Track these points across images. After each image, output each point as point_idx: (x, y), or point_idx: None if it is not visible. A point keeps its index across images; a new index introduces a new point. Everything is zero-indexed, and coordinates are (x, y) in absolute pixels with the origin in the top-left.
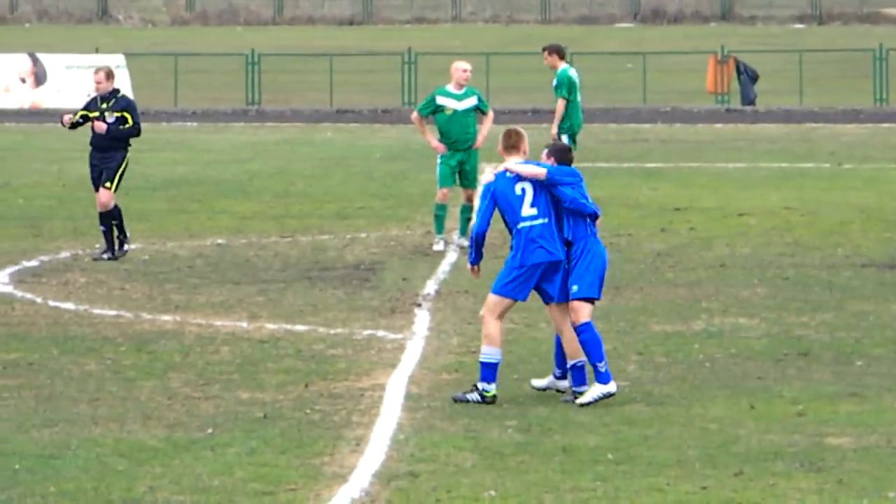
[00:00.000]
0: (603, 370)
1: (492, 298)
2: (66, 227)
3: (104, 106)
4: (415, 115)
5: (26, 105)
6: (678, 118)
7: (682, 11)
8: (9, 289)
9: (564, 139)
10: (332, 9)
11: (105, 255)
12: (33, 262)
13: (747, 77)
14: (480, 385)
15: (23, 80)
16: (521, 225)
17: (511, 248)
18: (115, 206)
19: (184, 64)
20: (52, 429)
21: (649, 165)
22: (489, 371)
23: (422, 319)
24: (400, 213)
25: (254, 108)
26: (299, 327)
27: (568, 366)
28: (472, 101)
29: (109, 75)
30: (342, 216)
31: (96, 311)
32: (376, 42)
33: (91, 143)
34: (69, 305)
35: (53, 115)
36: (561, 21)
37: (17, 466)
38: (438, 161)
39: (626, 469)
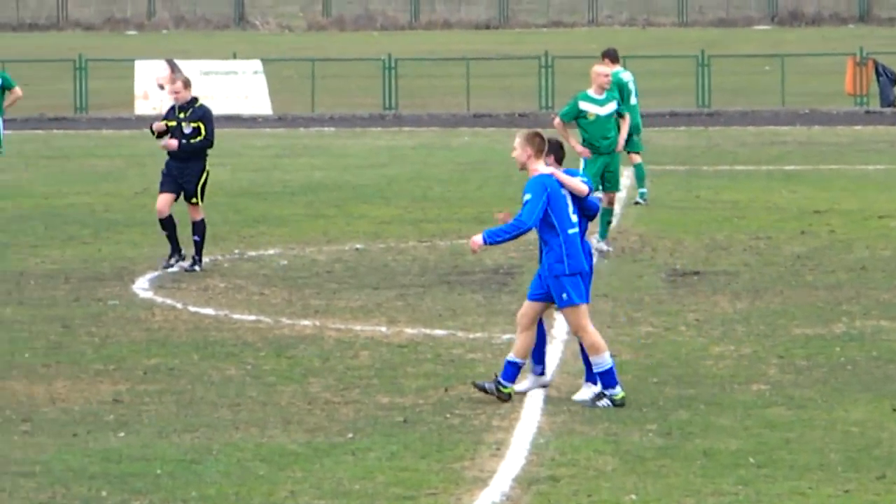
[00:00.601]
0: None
1: (576, 312)
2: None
3: (182, 115)
4: (557, 121)
5: (164, 111)
6: (817, 120)
7: (820, 13)
8: (149, 294)
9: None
10: (468, 13)
11: (196, 267)
12: (173, 269)
13: (886, 79)
14: (607, 392)
15: (161, 87)
16: (571, 231)
17: (548, 253)
18: (202, 220)
19: (321, 69)
20: (193, 434)
21: (788, 168)
22: (609, 377)
23: (560, 323)
24: None
25: (391, 112)
26: (438, 332)
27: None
28: (613, 106)
29: (187, 84)
30: (480, 220)
31: (236, 317)
32: (513, 46)
33: (168, 153)
34: (209, 311)
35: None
36: (698, 24)
37: (158, 471)
38: (582, 165)
39: (768, 473)
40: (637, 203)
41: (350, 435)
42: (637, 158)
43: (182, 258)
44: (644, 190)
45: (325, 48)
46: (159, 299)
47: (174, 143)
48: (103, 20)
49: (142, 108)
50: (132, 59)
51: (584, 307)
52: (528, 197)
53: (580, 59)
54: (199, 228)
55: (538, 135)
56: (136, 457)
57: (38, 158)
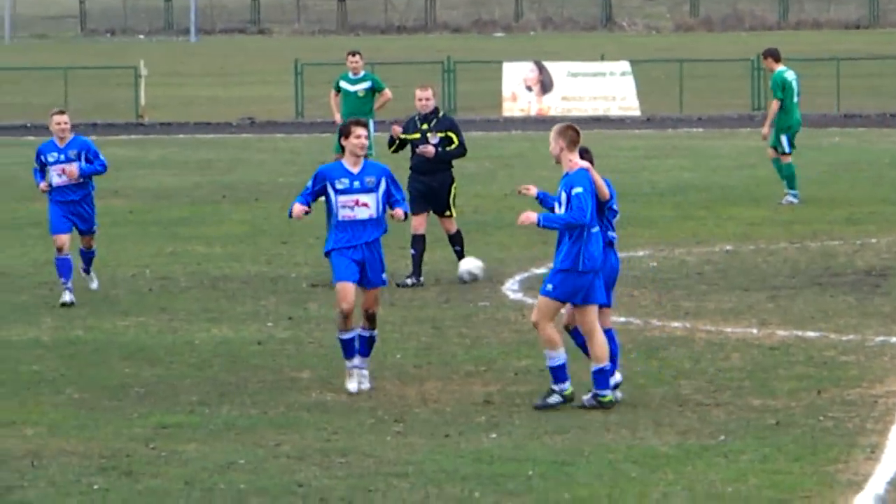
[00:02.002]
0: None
1: (548, 304)
2: None
3: (425, 126)
4: None
5: (533, 112)
6: None
7: None
8: (519, 296)
9: (784, 140)
10: (837, 12)
11: (409, 280)
12: (542, 270)
13: None
14: (556, 387)
15: (529, 88)
16: (595, 229)
17: (569, 247)
18: (458, 231)
19: (689, 70)
20: (564, 435)
21: None
22: (561, 372)
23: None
24: None
25: (760, 112)
26: (810, 334)
27: (592, 370)
28: None
29: (434, 93)
30: (852, 221)
31: None
32: (884, 45)
33: (412, 168)
34: None
35: (560, 122)
36: None
37: (530, 472)
38: None
39: None
40: (790, 202)
41: (722, 437)
42: (787, 159)
43: (419, 282)
44: (796, 191)
45: (692, 49)
46: (529, 300)
47: (431, 149)
48: (471, 22)
49: (510, 109)
50: (500, 60)
51: (556, 305)
52: (578, 190)
53: None
54: (457, 239)
55: (570, 127)
56: (508, 458)
57: (405, 160)
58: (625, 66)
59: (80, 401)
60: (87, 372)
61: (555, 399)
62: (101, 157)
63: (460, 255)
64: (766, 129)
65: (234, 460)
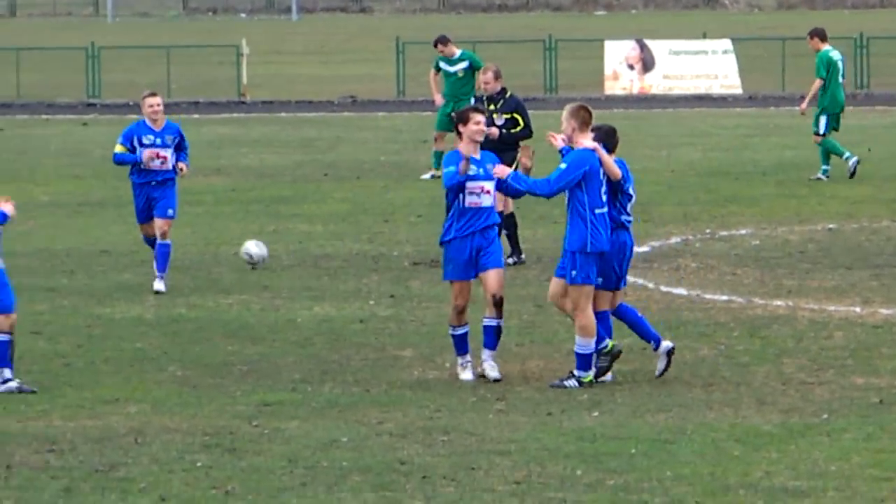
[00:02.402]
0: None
1: (580, 291)
2: (675, 212)
3: (492, 107)
4: None
5: (634, 91)
6: None
7: None
8: None
9: (823, 120)
10: None
11: (510, 260)
12: (644, 248)
13: None
14: (577, 373)
15: (630, 67)
16: (600, 210)
17: (572, 228)
18: (511, 214)
19: (791, 48)
20: (666, 413)
21: None
22: (586, 361)
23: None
24: None
25: (863, 91)
26: None
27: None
28: None
29: (498, 75)
30: None
31: (708, 297)
32: None
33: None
34: (681, 290)
35: (662, 100)
36: None
37: (633, 451)
38: None
39: None
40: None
41: (825, 416)
42: (817, 140)
43: (520, 259)
44: (827, 167)
45: (795, 27)
46: (631, 279)
47: (495, 130)
48: (572, 0)
49: (611, 88)
50: (601, 39)
51: (588, 288)
52: (562, 166)
53: None
54: (507, 223)
55: (583, 107)
56: (611, 436)
57: None
58: (727, 44)
59: (184, 378)
60: (190, 350)
61: (571, 383)
62: (185, 141)
63: (511, 239)
64: (803, 105)
65: (336, 438)
